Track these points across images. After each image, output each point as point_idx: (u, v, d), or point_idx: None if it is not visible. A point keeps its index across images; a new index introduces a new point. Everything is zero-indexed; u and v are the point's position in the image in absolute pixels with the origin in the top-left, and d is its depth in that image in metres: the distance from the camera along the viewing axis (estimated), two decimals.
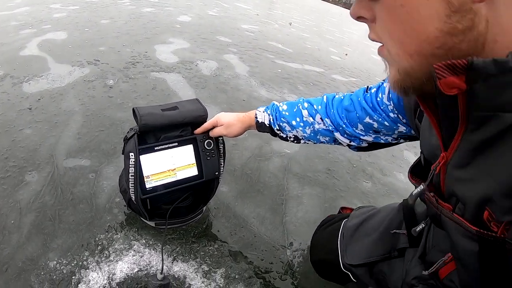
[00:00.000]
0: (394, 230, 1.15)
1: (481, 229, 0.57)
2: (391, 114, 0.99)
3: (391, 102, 0.98)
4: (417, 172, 0.84)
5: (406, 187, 2.51)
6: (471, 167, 0.58)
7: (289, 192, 2.06)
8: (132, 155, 1.17)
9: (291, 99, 3.37)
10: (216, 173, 1.38)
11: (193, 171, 1.33)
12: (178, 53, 3.60)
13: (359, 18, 0.60)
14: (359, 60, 7.78)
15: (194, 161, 1.32)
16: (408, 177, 0.85)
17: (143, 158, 1.21)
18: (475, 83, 0.47)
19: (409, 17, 0.50)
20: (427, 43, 0.50)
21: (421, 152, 0.85)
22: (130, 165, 1.17)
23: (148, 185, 1.24)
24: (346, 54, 7.67)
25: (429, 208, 0.73)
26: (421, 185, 0.72)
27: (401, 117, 0.97)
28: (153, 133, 1.26)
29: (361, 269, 1.22)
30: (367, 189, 2.41)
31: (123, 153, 1.22)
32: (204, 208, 1.54)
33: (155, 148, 1.24)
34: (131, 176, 1.18)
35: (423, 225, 0.92)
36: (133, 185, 1.19)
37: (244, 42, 4.97)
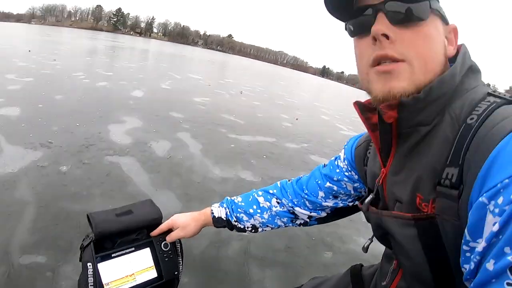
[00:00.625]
0: None
1: (415, 214, 0.73)
2: (346, 173, 1.11)
3: (346, 162, 1.10)
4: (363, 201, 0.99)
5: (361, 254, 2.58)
6: (402, 171, 0.77)
7: (251, 278, 2.05)
8: (90, 265, 1.13)
9: (245, 175, 3.45)
10: (176, 272, 1.34)
11: (153, 274, 1.27)
12: (132, 133, 3.62)
13: (382, 35, 0.70)
14: (310, 123, 8.07)
15: (152, 263, 1.28)
16: (358, 205, 0.99)
17: (101, 266, 1.16)
18: (402, 112, 0.68)
19: (435, 47, 0.70)
20: (437, 65, 0.70)
21: (368, 190, 1.00)
22: (88, 275, 1.12)
23: None
24: (297, 119, 7.94)
25: (372, 216, 0.89)
26: (370, 195, 0.89)
27: (353, 173, 1.10)
28: (109, 238, 1.22)
29: None
30: (328, 260, 2.44)
31: (80, 261, 1.20)
32: None
33: (113, 255, 1.19)
34: (91, 286, 1.13)
35: (370, 241, 1.05)
36: None
37: (196, 116, 5.07)
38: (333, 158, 1.17)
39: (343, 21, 0.78)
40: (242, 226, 1.29)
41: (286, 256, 2.30)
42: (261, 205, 1.25)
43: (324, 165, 1.18)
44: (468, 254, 0.60)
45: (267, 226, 1.29)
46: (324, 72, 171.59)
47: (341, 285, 1.30)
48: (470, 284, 0.58)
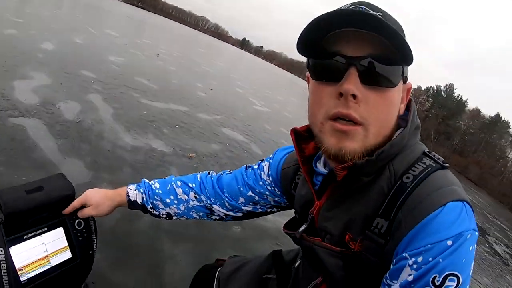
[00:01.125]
0: (265, 275, 1.36)
1: (343, 249, 0.85)
2: (269, 188, 1.18)
3: (270, 178, 1.17)
4: (290, 226, 1.08)
5: (274, 227, 2.73)
6: (335, 209, 0.87)
7: (164, 252, 2.07)
8: (1, 250, 1.08)
9: (156, 145, 3.44)
10: (90, 252, 1.32)
11: (67, 254, 1.25)
12: (39, 91, 3.39)
13: (352, 95, 0.73)
14: (224, 95, 8.12)
15: (66, 243, 1.25)
16: (283, 230, 1.09)
17: (13, 250, 1.12)
18: (352, 171, 0.76)
19: (393, 112, 0.77)
20: (388, 130, 0.78)
21: (295, 212, 1.11)
22: (0, 261, 1.08)
23: (22, 278, 1.14)
24: (212, 89, 7.96)
25: (304, 243, 0.99)
26: (304, 225, 0.98)
27: (277, 190, 1.17)
28: (20, 218, 1.16)
29: None
30: (238, 235, 2.55)
31: None
32: (83, 285, 1.46)
33: (25, 237, 1.15)
34: (4, 273, 1.08)
35: (299, 262, 1.19)
36: (7, 281, 1.09)
37: (109, 77, 4.88)
38: (256, 166, 1.23)
39: (307, 56, 0.78)
40: (157, 213, 1.29)
41: (197, 231, 2.35)
42: (178, 196, 1.27)
43: (246, 168, 1.24)
44: (386, 287, 0.74)
45: (182, 216, 1.30)
46: (244, 44, 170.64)
47: (263, 268, 1.41)
48: None
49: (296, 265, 1.20)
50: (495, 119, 69.18)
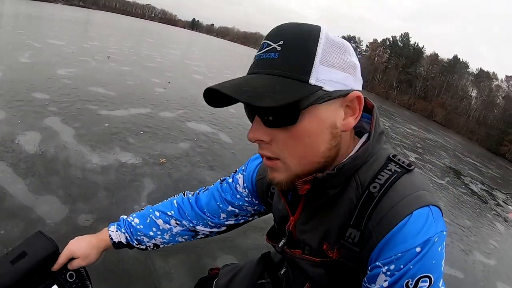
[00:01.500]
0: (260, 281, 1.42)
1: (323, 258, 0.90)
2: (247, 199, 1.21)
3: (246, 189, 1.19)
4: (272, 235, 1.13)
5: (263, 219, 2.82)
6: (310, 222, 0.92)
7: (157, 271, 2.09)
8: None
9: (125, 158, 3.42)
10: None
11: None
12: None
13: (256, 141, 0.78)
14: (183, 85, 8.03)
15: None
16: (266, 240, 1.15)
17: None
18: (315, 184, 0.78)
19: (312, 143, 0.74)
20: (317, 157, 0.77)
21: (274, 221, 1.15)
22: None
23: None
24: (169, 82, 7.86)
25: (286, 256, 1.04)
26: (283, 240, 1.03)
27: (254, 199, 1.20)
28: None
29: None
30: (224, 235, 2.54)
31: None
32: None
33: None
34: None
35: (285, 269, 1.25)
36: None
37: (63, 95, 4.75)
38: (230, 180, 1.25)
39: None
40: (143, 247, 1.31)
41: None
42: (160, 227, 1.28)
43: (221, 182, 1.26)
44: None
45: (169, 244, 1.33)
46: (194, 25, 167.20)
47: (256, 274, 1.48)
48: None
49: (282, 272, 1.27)
50: (453, 61, 70.81)
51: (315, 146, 0.75)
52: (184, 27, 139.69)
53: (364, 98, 0.86)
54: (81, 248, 1.25)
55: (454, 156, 14.05)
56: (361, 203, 0.79)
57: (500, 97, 65.23)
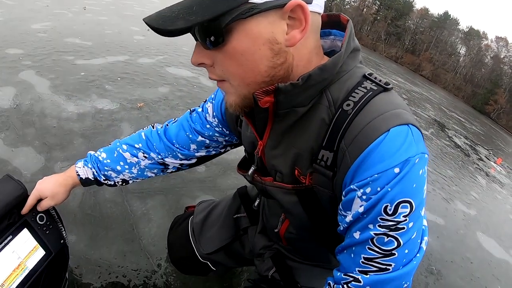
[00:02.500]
0: (236, 215, 1.46)
1: (295, 185, 0.87)
2: (217, 129, 1.17)
3: (216, 119, 1.16)
4: (243, 165, 1.12)
5: (237, 158, 2.77)
6: (280, 146, 0.87)
7: (134, 213, 2.10)
8: None
9: (102, 105, 3.37)
10: (62, 241, 1.32)
11: (40, 253, 1.25)
12: None
13: (200, 65, 0.75)
14: None
15: (35, 242, 1.23)
16: (237, 170, 1.14)
17: None
18: (279, 96, 0.72)
19: (247, 61, 0.69)
20: (260, 76, 0.71)
21: (245, 150, 1.13)
22: None
23: None
24: (149, 30, 7.61)
25: (257, 184, 1.02)
26: (252, 167, 1.01)
27: (225, 129, 1.17)
28: None
29: (218, 254, 1.47)
30: (203, 175, 2.61)
31: None
32: (67, 274, 1.45)
33: None
34: None
35: (259, 200, 1.24)
36: None
37: (38, 49, 4.59)
38: (200, 109, 1.21)
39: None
40: (111, 183, 1.29)
41: (162, 181, 2.39)
42: (128, 161, 1.25)
43: (191, 112, 1.22)
44: (341, 217, 0.77)
45: (137, 178, 1.31)
46: None
47: (232, 208, 1.50)
48: (341, 235, 0.79)
49: (256, 203, 1.25)
50: (443, 17, 69.36)
51: (253, 64, 0.70)
52: None
53: (339, 15, 0.83)
54: (48, 188, 1.23)
55: (439, 110, 13.98)
56: (333, 122, 0.74)
57: (488, 57, 65.04)
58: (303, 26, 0.66)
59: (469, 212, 4.33)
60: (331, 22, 0.85)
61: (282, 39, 0.67)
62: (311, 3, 0.67)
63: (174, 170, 1.32)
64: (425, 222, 0.75)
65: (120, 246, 1.89)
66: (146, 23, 0.64)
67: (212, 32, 0.66)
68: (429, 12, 73.00)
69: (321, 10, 0.73)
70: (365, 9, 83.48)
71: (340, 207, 0.77)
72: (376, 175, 0.67)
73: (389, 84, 0.75)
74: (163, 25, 0.63)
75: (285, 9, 0.64)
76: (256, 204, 1.25)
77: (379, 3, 79.02)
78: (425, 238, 0.77)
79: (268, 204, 1.22)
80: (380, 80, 0.76)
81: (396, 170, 0.66)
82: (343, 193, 0.75)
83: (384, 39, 75.11)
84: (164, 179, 2.42)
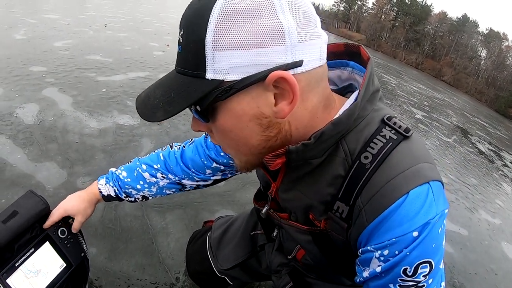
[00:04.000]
0: (253, 232, 1.45)
1: (310, 227, 0.86)
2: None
3: None
4: (259, 197, 1.12)
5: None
6: (293, 192, 0.85)
7: (154, 227, 2.12)
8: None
9: (123, 121, 3.41)
10: (82, 254, 1.35)
11: (61, 265, 1.28)
12: None
13: (199, 131, 0.77)
14: None
15: (57, 255, 1.27)
16: (253, 202, 1.15)
17: (10, 280, 1.14)
18: (290, 155, 0.70)
19: (237, 137, 0.68)
20: (254, 149, 0.70)
21: (260, 183, 1.14)
22: None
23: None
24: (168, 45, 7.74)
25: (274, 220, 1.03)
26: (266, 206, 1.01)
27: None
28: (5, 250, 1.17)
29: (235, 270, 1.47)
30: (222, 189, 2.61)
31: None
32: (87, 285, 1.46)
33: (16, 265, 1.17)
34: None
35: (277, 231, 1.24)
36: None
37: (60, 66, 4.70)
38: None
39: None
40: (132, 199, 1.33)
41: (180, 196, 2.40)
42: (147, 180, 1.27)
43: (205, 137, 1.23)
44: (359, 268, 0.76)
45: (157, 195, 1.33)
46: None
47: (250, 225, 1.50)
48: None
49: (275, 233, 1.25)
50: (462, 20, 68.82)
51: (244, 139, 0.69)
52: None
53: (360, 47, 0.79)
54: (74, 206, 1.27)
55: (462, 116, 13.70)
56: (350, 175, 0.70)
57: (510, 58, 63.92)
58: (291, 98, 0.62)
59: (494, 222, 4.19)
60: (350, 52, 0.82)
61: (270, 112, 0.64)
62: (301, 65, 0.60)
63: (191, 189, 1.34)
64: (441, 265, 0.72)
65: (139, 259, 1.91)
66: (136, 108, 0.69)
67: (197, 113, 0.68)
68: (447, 16, 72.56)
69: (322, 61, 0.66)
70: (383, 16, 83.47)
71: (358, 261, 0.76)
72: (394, 239, 0.65)
73: (410, 131, 0.71)
74: (146, 115, 0.65)
75: (267, 82, 0.60)
76: (274, 234, 1.25)
77: (396, 9, 78.99)
78: (442, 284, 0.74)
79: (284, 232, 1.22)
80: (400, 126, 0.71)
81: (415, 233, 0.64)
82: (360, 250, 0.73)
83: (403, 45, 74.76)
84: (183, 193, 2.39)
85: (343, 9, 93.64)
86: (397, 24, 78.61)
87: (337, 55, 0.82)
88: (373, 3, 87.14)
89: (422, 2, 75.78)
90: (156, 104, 0.64)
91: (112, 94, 4.03)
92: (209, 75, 0.59)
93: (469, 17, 69.47)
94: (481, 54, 69.23)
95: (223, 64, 0.58)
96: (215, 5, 0.56)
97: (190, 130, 3.47)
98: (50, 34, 6.85)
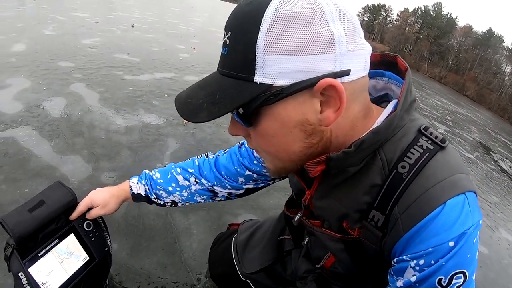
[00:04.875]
0: (281, 237, 1.42)
1: (343, 235, 0.85)
2: (264, 165, 1.16)
3: None
4: (291, 205, 1.11)
5: (281, 182, 2.78)
6: (328, 199, 0.84)
7: (177, 227, 2.09)
8: (21, 275, 1.10)
9: (149, 119, 3.40)
10: (106, 248, 1.35)
11: (85, 258, 1.29)
12: (21, 97, 3.27)
13: (236, 135, 0.76)
14: (207, 51, 7.94)
15: (81, 247, 1.27)
16: (284, 210, 1.13)
17: (32, 269, 1.14)
18: (330, 162, 0.70)
19: (279, 142, 0.68)
20: (294, 156, 0.70)
21: (292, 190, 1.11)
22: (24, 285, 1.11)
23: None
24: (194, 48, 7.79)
25: (306, 227, 1.00)
26: (299, 213, 0.99)
27: None
28: (30, 238, 1.16)
29: (259, 275, 1.44)
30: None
31: (9, 271, 1.13)
32: (107, 280, 1.47)
33: (39, 254, 1.16)
34: None
35: (308, 238, 1.22)
36: None
37: (88, 63, 4.75)
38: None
39: None
40: (161, 202, 1.31)
41: None
42: (180, 183, 1.27)
43: (240, 146, 1.23)
44: (391, 278, 0.75)
45: (187, 202, 1.32)
46: None
47: (277, 230, 1.47)
48: None
49: (306, 241, 1.23)
50: (487, 34, 67.97)
51: (285, 145, 0.69)
52: None
53: (396, 57, 0.80)
54: (100, 197, 1.27)
55: (484, 132, 13.42)
56: (387, 184, 0.71)
57: None
58: (337, 106, 0.62)
59: None
60: (386, 62, 0.83)
61: (315, 119, 0.65)
62: (348, 74, 0.61)
63: (223, 199, 1.33)
64: (474, 276, 0.70)
65: (161, 258, 1.87)
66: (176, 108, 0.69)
67: (239, 117, 0.67)
68: (472, 30, 71.62)
69: (365, 72, 0.67)
70: (407, 28, 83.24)
71: (392, 270, 0.74)
72: (430, 249, 0.65)
73: (445, 141, 0.72)
74: (189, 117, 0.65)
75: (315, 89, 0.60)
76: (305, 242, 1.23)
77: (421, 21, 78.72)
78: None
79: (314, 238, 1.19)
80: (436, 137, 0.72)
81: (451, 243, 0.64)
82: (394, 260, 0.73)
83: (427, 58, 74.24)
84: None
85: (367, 19, 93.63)
86: (421, 36, 78.24)
87: (373, 65, 0.82)
88: (397, 14, 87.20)
89: (447, 15, 75.43)
90: (199, 105, 0.64)
91: (139, 93, 4.04)
92: (258, 79, 0.60)
93: (494, 32, 68.41)
94: (506, 70, 67.94)
95: (273, 68, 0.58)
96: (267, 9, 0.57)
97: (216, 133, 3.51)
98: (78, 31, 6.97)
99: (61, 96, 3.50)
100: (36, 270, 1.15)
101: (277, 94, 0.60)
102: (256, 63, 0.58)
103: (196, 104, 0.64)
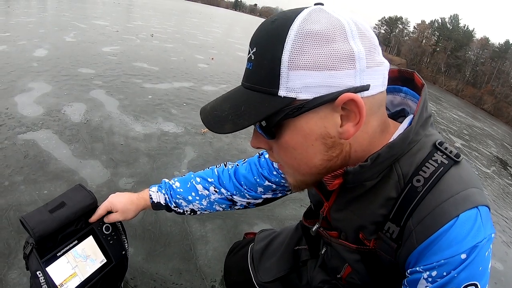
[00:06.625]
0: (297, 247, 1.43)
1: (359, 246, 0.87)
2: (283, 175, 1.18)
3: None
4: (309, 215, 1.13)
5: (297, 193, 2.77)
6: (345, 212, 0.87)
7: (193, 234, 2.10)
8: (39, 274, 1.12)
9: (168, 128, 3.44)
10: (123, 252, 1.37)
11: (102, 260, 1.31)
12: (42, 101, 3.36)
13: (258, 148, 0.78)
14: (226, 62, 8.02)
15: (99, 250, 1.29)
16: (303, 221, 1.16)
17: (50, 269, 1.16)
18: (347, 176, 0.73)
19: (301, 155, 0.71)
20: (315, 168, 0.73)
21: (310, 201, 1.14)
22: (41, 284, 1.12)
23: None
24: (212, 58, 7.87)
25: (323, 237, 1.03)
26: (316, 224, 1.01)
27: None
28: (49, 238, 1.19)
29: (275, 284, 1.44)
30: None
31: (27, 270, 1.16)
32: (122, 283, 1.50)
33: (58, 255, 1.19)
34: None
35: (325, 249, 1.23)
36: None
37: (108, 70, 4.84)
38: (267, 155, 1.23)
39: None
40: (181, 211, 1.34)
41: None
42: (199, 192, 1.30)
43: (259, 156, 1.26)
44: None
45: (206, 211, 1.35)
46: (237, 6, 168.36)
47: (293, 240, 1.48)
48: None
49: (323, 251, 1.25)
50: (505, 46, 66.85)
51: (307, 158, 0.72)
52: (227, 8, 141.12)
53: (413, 74, 0.83)
54: (120, 203, 1.29)
55: (502, 146, 13.18)
56: (402, 197, 0.73)
57: None
58: (357, 120, 0.65)
59: None
60: (404, 78, 0.86)
61: (336, 132, 0.67)
62: (368, 89, 0.64)
63: (241, 208, 1.35)
64: None
65: (176, 264, 1.88)
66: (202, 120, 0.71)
67: (262, 129, 0.70)
68: (489, 42, 70.35)
69: (384, 87, 0.70)
70: (424, 40, 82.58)
71: (405, 282, 0.76)
72: (443, 261, 0.67)
73: (460, 156, 0.74)
74: (214, 128, 0.67)
75: (336, 103, 0.63)
76: (322, 252, 1.25)
77: (438, 34, 78.09)
78: None
79: (331, 249, 1.21)
80: (451, 151, 0.74)
81: (463, 256, 0.66)
82: (408, 271, 0.75)
83: (444, 71, 73.42)
84: None
85: (384, 32, 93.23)
86: (438, 49, 77.43)
87: (391, 81, 0.84)
88: (414, 26, 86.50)
89: (464, 27, 74.51)
90: (224, 117, 0.67)
91: (158, 102, 4.10)
92: (282, 93, 0.63)
93: (511, 44, 67.53)
94: None
95: (297, 83, 0.61)
96: (291, 27, 0.61)
97: (233, 143, 3.53)
98: (99, 39, 7.12)
99: (81, 101, 3.57)
100: (55, 270, 1.18)
101: (300, 108, 0.63)
102: (280, 77, 0.62)
103: (222, 116, 0.67)
